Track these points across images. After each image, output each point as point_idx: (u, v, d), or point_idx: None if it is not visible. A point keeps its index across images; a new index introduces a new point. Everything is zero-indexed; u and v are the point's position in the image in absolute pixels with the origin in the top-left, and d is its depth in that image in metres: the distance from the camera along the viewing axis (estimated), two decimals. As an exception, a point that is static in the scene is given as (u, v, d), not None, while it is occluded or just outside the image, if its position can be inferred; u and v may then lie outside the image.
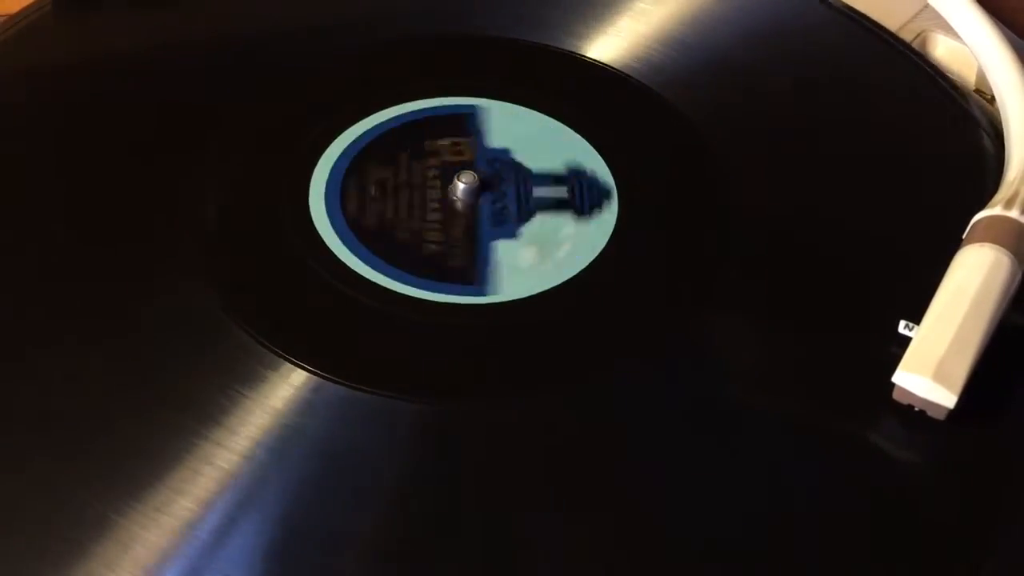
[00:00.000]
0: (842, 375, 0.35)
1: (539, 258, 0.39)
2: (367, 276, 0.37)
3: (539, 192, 0.41)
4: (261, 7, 0.48)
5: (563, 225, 0.40)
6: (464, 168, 0.40)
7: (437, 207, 0.40)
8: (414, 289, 0.37)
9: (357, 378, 0.34)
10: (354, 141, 0.42)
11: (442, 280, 0.37)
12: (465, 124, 0.43)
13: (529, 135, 0.42)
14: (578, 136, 0.42)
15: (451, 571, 0.31)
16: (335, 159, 0.41)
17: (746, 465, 0.33)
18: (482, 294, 0.37)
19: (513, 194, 0.40)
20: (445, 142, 0.42)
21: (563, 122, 0.43)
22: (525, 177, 0.41)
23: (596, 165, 0.41)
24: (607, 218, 0.40)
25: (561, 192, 0.41)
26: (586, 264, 0.38)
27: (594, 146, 0.42)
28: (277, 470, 0.32)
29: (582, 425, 0.34)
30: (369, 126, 0.42)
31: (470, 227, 0.39)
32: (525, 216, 0.40)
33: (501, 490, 0.32)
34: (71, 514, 0.31)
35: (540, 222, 0.40)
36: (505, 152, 0.42)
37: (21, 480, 0.32)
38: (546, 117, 0.43)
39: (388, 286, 0.37)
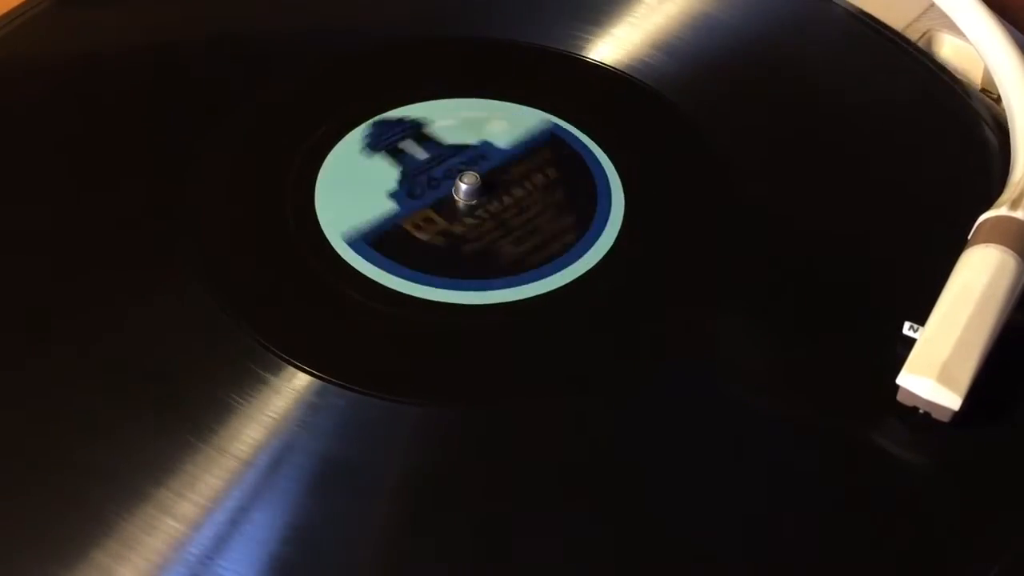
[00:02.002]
0: (846, 376, 0.35)
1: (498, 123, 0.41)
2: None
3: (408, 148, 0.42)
4: (262, 5, 0.48)
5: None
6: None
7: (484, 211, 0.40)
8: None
9: (361, 381, 0.34)
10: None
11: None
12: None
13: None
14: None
15: (455, 574, 0.31)
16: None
17: (748, 465, 0.33)
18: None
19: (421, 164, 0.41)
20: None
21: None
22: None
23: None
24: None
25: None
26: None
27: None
28: (280, 474, 0.32)
29: (585, 426, 0.34)
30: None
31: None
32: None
33: (504, 492, 0.32)
34: (73, 520, 0.31)
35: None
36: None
37: (21, 483, 0.32)
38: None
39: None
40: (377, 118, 0.42)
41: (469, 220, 0.39)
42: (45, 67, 0.44)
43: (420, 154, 0.41)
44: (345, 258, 0.38)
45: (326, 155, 0.41)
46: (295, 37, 0.46)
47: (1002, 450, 0.34)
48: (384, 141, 0.42)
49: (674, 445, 0.34)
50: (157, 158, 0.41)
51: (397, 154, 0.41)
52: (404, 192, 0.40)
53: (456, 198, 0.40)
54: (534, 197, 0.40)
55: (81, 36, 0.46)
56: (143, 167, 0.41)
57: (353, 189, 0.40)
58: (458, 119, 0.43)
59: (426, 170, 0.41)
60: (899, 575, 0.31)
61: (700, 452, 0.33)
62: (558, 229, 0.39)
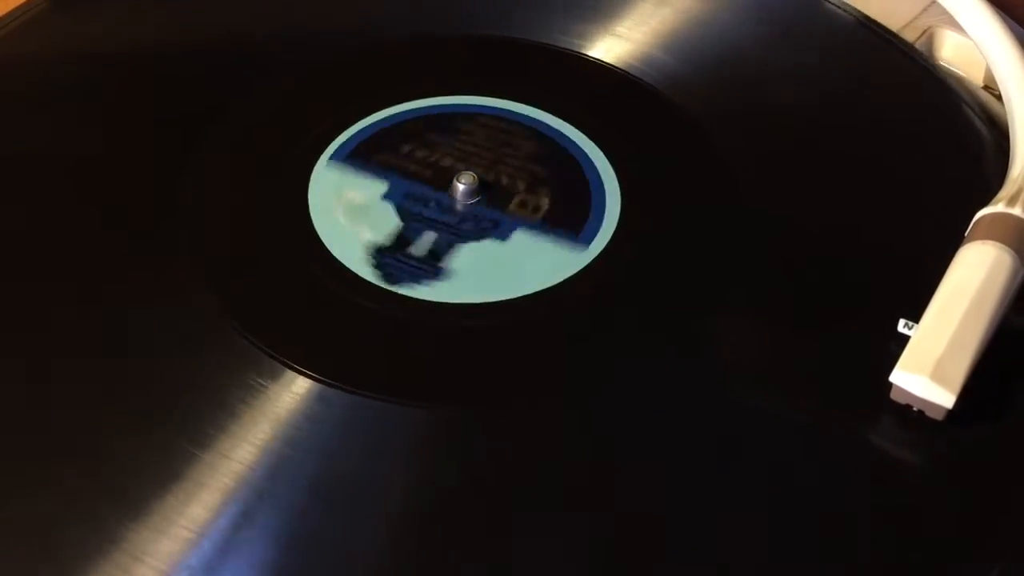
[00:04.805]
0: (841, 374, 0.35)
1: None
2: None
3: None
4: (260, 5, 0.48)
5: None
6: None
7: None
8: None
9: (361, 384, 0.34)
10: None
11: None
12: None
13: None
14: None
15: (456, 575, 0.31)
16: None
17: (743, 465, 0.33)
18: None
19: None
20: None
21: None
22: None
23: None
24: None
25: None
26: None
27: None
28: (281, 478, 0.32)
29: (585, 426, 0.34)
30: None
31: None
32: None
33: (506, 493, 0.32)
34: (73, 525, 0.31)
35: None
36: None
37: (21, 490, 0.32)
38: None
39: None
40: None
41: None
42: (42, 68, 0.44)
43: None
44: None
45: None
46: (293, 36, 0.46)
47: (996, 449, 0.33)
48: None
49: (671, 444, 0.34)
50: (155, 160, 0.41)
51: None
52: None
53: (456, 182, 0.40)
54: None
55: (77, 38, 0.46)
56: (142, 169, 0.41)
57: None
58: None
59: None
60: (891, 575, 0.31)
61: (696, 451, 0.33)
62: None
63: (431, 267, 0.38)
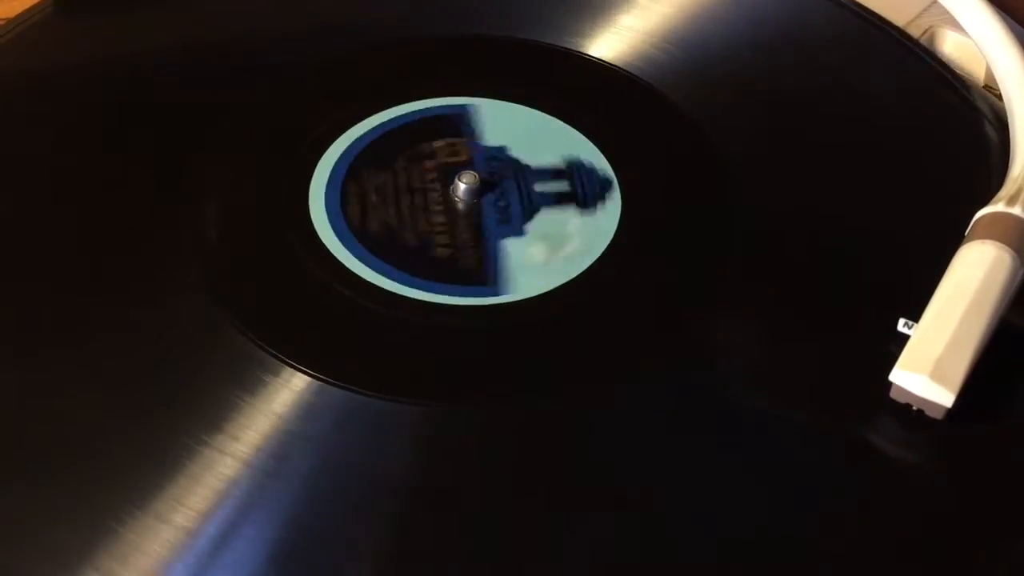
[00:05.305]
0: (841, 374, 0.35)
1: (548, 254, 0.38)
2: (368, 279, 0.37)
3: (540, 188, 0.41)
4: (261, 7, 0.48)
5: (568, 219, 0.40)
6: (463, 168, 0.40)
7: (441, 209, 0.40)
8: (424, 293, 0.37)
9: (360, 382, 0.34)
10: (353, 143, 0.42)
11: (453, 282, 0.37)
12: (459, 124, 0.43)
13: (525, 131, 0.42)
14: (574, 130, 0.42)
15: (455, 574, 0.31)
16: (335, 161, 0.41)
17: (743, 464, 0.33)
18: (495, 294, 0.37)
19: (515, 191, 0.40)
20: (441, 143, 0.42)
21: (564, 120, 0.43)
22: (524, 173, 0.41)
23: (599, 163, 0.41)
24: (612, 209, 0.40)
25: (562, 186, 0.41)
26: (593, 260, 0.38)
27: (597, 145, 0.42)
28: (279, 476, 0.32)
29: (585, 426, 0.34)
30: (368, 128, 0.42)
31: (476, 228, 0.39)
32: (529, 213, 0.40)
33: (504, 492, 0.32)
34: (72, 522, 0.31)
35: (545, 218, 0.40)
36: (502, 150, 0.42)
37: (22, 488, 0.32)
38: (540, 113, 0.43)
39: (391, 288, 0.37)
40: (587, 168, 0.41)
41: (432, 191, 0.40)
42: (45, 74, 0.44)
43: (554, 188, 0.41)
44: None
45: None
46: (293, 36, 0.46)
47: (995, 448, 0.33)
48: (574, 175, 0.41)
49: (671, 443, 0.34)
50: (157, 162, 0.41)
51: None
52: None
53: (457, 181, 0.40)
54: (461, 226, 0.39)
55: (80, 41, 0.46)
56: (142, 169, 0.41)
57: (529, 129, 0.42)
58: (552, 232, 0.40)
59: (517, 177, 0.41)
60: (890, 573, 0.31)
61: (696, 450, 0.33)
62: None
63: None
